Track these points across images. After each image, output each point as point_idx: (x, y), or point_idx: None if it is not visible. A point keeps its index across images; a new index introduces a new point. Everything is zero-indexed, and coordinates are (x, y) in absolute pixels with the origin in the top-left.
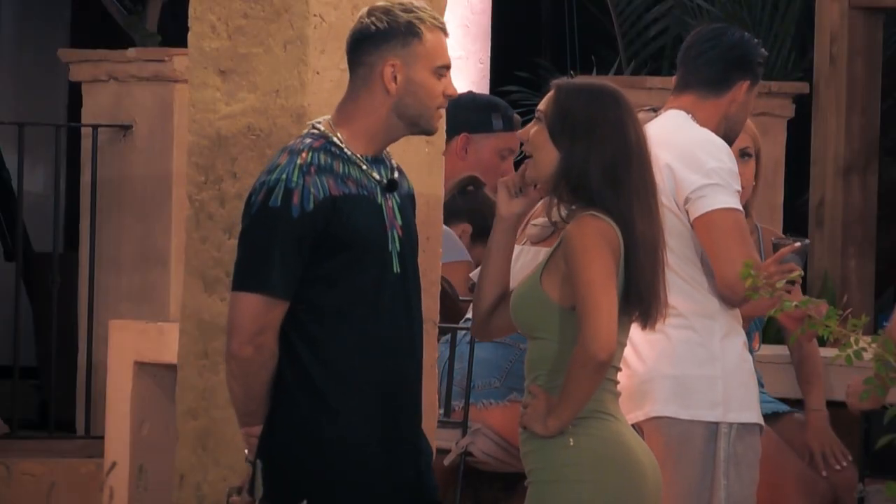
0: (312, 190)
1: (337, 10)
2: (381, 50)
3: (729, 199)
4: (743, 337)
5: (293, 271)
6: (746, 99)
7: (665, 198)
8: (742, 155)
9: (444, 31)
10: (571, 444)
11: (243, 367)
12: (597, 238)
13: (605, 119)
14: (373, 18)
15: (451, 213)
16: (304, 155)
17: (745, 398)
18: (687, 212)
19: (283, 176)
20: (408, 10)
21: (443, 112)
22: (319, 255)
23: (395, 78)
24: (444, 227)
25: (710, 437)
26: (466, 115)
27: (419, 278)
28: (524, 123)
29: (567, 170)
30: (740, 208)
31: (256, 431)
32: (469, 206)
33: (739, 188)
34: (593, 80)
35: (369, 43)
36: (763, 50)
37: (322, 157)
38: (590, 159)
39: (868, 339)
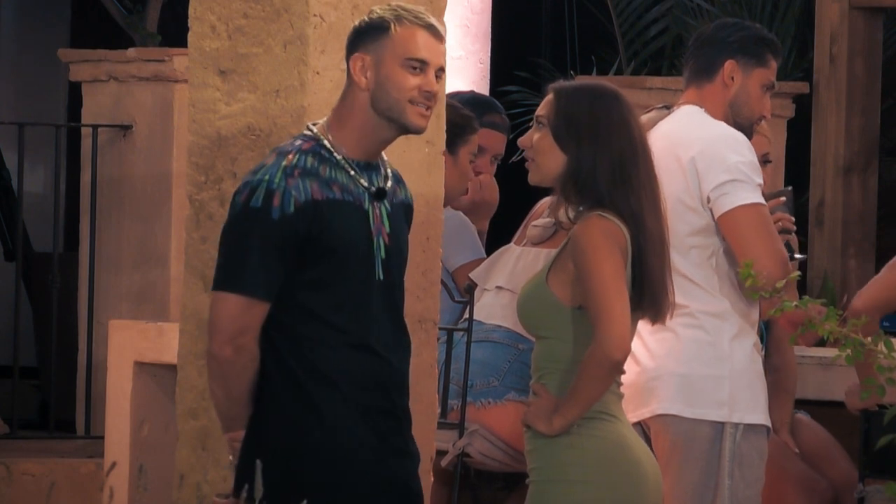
0: (294, 192)
1: (337, 10)
2: (356, 47)
3: (750, 195)
4: (753, 338)
5: (273, 273)
6: (744, 82)
7: (687, 195)
8: (763, 162)
9: (426, 27)
10: (573, 444)
11: (223, 369)
12: (605, 238)
13: (610, 118)
14: (357, 21)
15: None
16: (290, 157)
17: (752, 399)
18: (711, 210)
19: (266, 177)
20: (390, 10)
21: (422, 109)
22: (304, 259)
23: (366, 73)
24: (465, 221)
25: (716, 437)
26: None
27: (403, 284)
28: (522, 123)
29: (576, 171)
30: (762, 202)
31: (239, 436)
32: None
33: (761, 181)
34: (590, 80)
35: (349, 43)
36: (760, 32)
37: (309, 159)
38: (598, 159)
39: (868, 339)
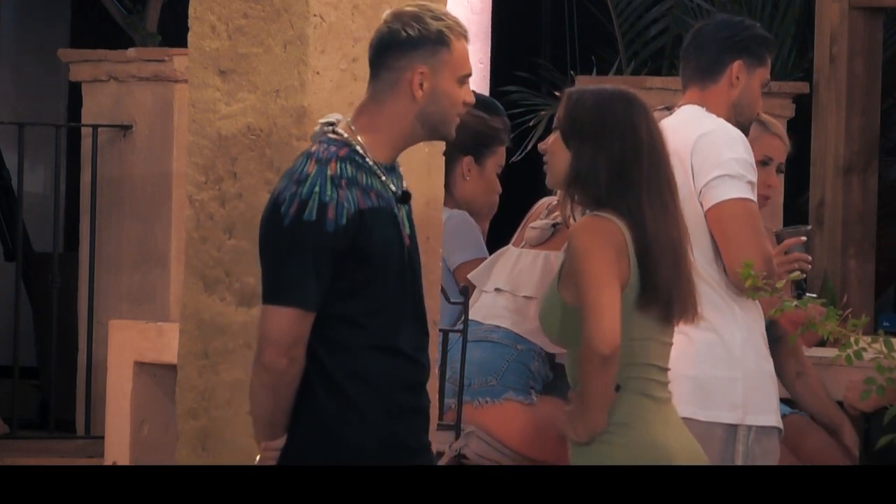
0: (345, 204)
1: (337, 10)
2: (411, 57)
3: (738, 190)
4: (763, 340)
5: (324, 283)
6: (749, 82)
7: (691, 193)
8: (778, 171)
9: (467, 38)
10: (603, 448)
11: (276, 379)
12: (595, 236)
13: (613, 119)
14: (402, 24)
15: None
16: (332, 166)
17: (764, 401)
18: (701, 205)
19: (316, 189)
20: (437, 18)
21: (458, 119)
22: (345, 267)
23: (422, 85)
24: (470, 220)
25: (729, 439)
26: None
27: (422, 286)
28: (522, 123)
29: (577, 171)
30: (752, 198)
31: (278, 444)
32: (459, 137)
33: (753, 179)
34: (607, 83)
35: (398, 49)
36: (761, 31)
37: (349, 168)
38: (598, 159)
39: (868, 339)
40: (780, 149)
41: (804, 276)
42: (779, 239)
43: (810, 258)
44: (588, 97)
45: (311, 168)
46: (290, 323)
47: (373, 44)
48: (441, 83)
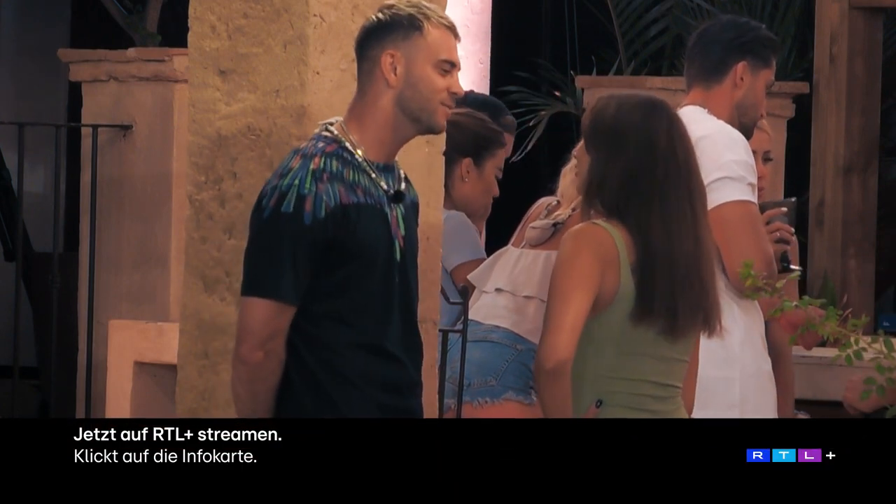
0: (324, 197)
1: (337, 10)
2: (383, 42)
3: (739, 193)
4: (762, 340)
5: (303, 277)
6: (753, 83)
7: None
8: (765, 160)
9: (451, 30)
10: None
11: (253, 373)
12: (580, 245)
13: (629, 127)
14: (377, 13)
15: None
16: (316, 160)
17: (761, 401)
18: None
19: (296, 181)
20: (412, 6)
21: (447, 110)
22: (329, 263)
23: (395, 69)
24: (467, 221)
25: None
26: None
27: (417, 287)
28: (522, 123)
29: (591, 178)
30: (752, 200)
31: None
32: (458, 139)
33: (754, 181)
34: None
35: (372, 36)
36: (766, 32)
37: (334, 163)
38: (611, 166)
39: (868, 339)
40: (762, 138)
41: (787, 246)
42: (762, 210)
43: (793, 229)
44: (611, 104)
45: (296, 163)
46: (267, 315)
47: (355, 39)
48: (415, 67)
